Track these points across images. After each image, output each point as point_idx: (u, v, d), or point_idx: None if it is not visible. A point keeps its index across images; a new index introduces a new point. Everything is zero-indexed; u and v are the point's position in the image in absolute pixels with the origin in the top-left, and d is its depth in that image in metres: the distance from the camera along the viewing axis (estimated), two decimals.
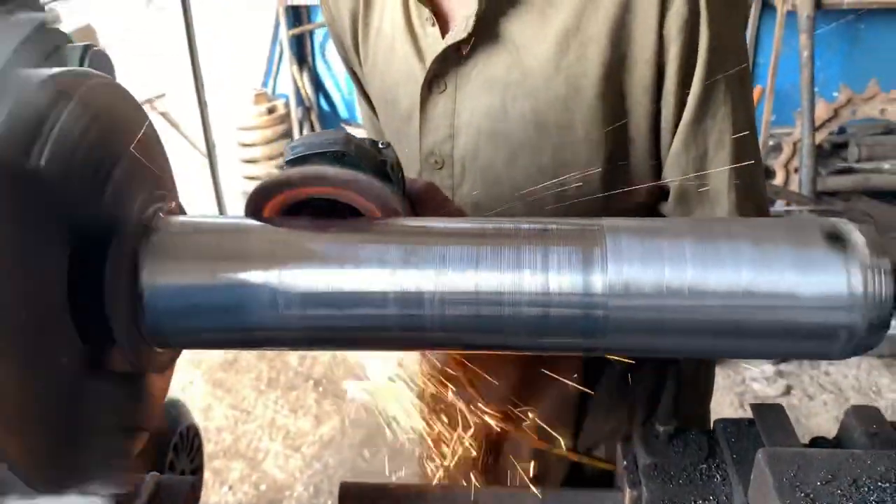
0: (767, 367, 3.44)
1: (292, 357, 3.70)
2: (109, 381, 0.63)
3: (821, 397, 3.36)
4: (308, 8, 4.45)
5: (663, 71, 0.98)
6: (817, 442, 1.02)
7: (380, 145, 0.75)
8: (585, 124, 1.00)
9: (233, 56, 4.56)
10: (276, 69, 4.71)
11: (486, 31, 1.00)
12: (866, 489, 0.79)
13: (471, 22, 0.99)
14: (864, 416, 1.00)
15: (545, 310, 0.61)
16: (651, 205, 1.08)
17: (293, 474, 3.09)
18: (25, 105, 0.54)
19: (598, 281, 0.61)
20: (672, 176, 1.03)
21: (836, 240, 0.61)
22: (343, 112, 4.71)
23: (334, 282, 0.62)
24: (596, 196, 1.00)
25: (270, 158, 4.58)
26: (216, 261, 0.63)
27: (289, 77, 4.60)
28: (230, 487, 3.04)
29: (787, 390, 3.43)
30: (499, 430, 1.01)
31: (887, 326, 0.61)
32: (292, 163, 0.67)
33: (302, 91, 4.67)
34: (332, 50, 4.54)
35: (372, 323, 0.63)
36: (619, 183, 1.03)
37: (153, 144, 0.71)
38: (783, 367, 3.51)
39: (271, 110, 4.64)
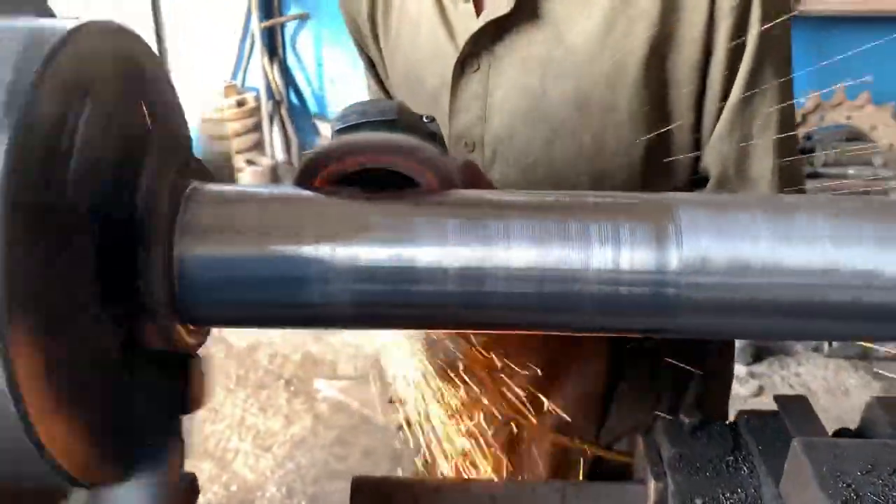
0: (740, 368, 3.48)
1: (262, 355, 3.63)
2: (151, 364, 0.58)
3: None
4: (280, 0, 4.37)
5: (711, 50, 0.95)
6: (842, 433, 1.01)
7: (424, 119, 0.71)
8: (629, 104, 0.97)
9: (203, 47, 4.46)
10: (246, 62, 4.62)
11: (526, 6, 0.96)
12: None
13: None
14: (889, 406, 0.99)
15: (615, 287, 0.58)
16: (689, 189, 1.05)
17: (264, 474, 3.02)
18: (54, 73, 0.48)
19: (674, 257, 0.58)
20: (713, 158, 1.01)
21: None
22: (313, 106, 4.64)
23: (389, 256, 0.58)
24: (634, 179, 0.98)
25: (239, 152, 4.49)
26: (261, 232, 0.58)
27: (259, 70, 4.51)
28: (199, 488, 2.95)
29: (759, 391, 3.47)
30: (519, 422, 0.98)
31: None
32: (344, 131, 0.62)
33: (272, 84, 4.59)
34: (303, 43, 4.47)
35: (429, 300, 0.58)
36: (658, 165, 1.00)
37: (174, 101, 0.66)
38: (755, 367, 3.55)
39: (241, 103, 4.55)
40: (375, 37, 1.16)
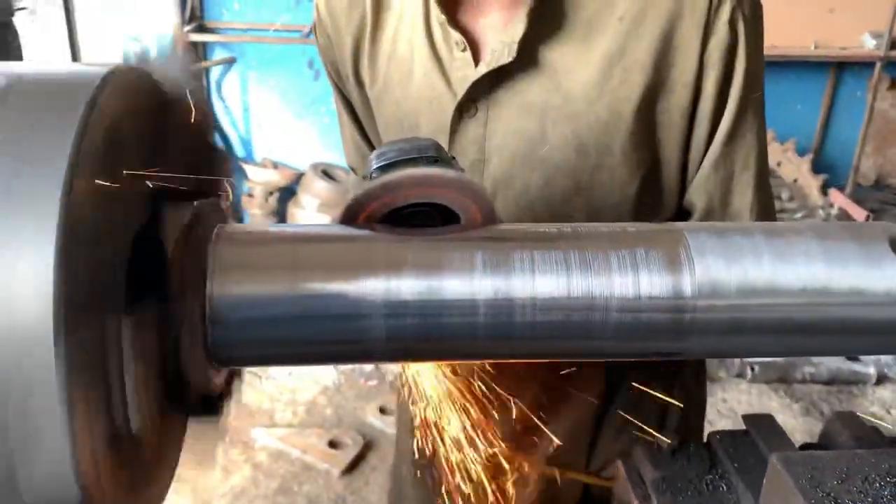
0: None
1: None
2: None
3: (720, 423, 3.53)
4: (205, 45, 4.34)
5: (699, 95, 1.02)
6: (807, 447, 1.07)
7: (453, 158, 0.73)
8: (624, 146, 1.02)
9: None
10: None
11: (525, 56, 1.01)
12: (878, 485, 0.83)
13: (514, 48, 0.99)
14: (846, 420, 1.07)
15: (636, 314, 0.61)
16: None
17: None
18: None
19: (687, 282, 0.62)
20: (698, 194, 1.07)
21: (892, 237, 0.65)
22: (240, 151, 4.59)
23: (422, 290, 0.60)
24: (626, 215, 1.03)
25: None
26: (294, 270, 0.59)
27: None
28: None
29: None
30: (509, 456, 1.00)
31: None
32: (384, 169, 0.64)
33: None
34: (229, 87, 4.43)
35: (461, 332, 0.61)
36: (648, 201, 1.06)
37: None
38: None
39: None
40: (359, 82, 1.18)
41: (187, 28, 4.15)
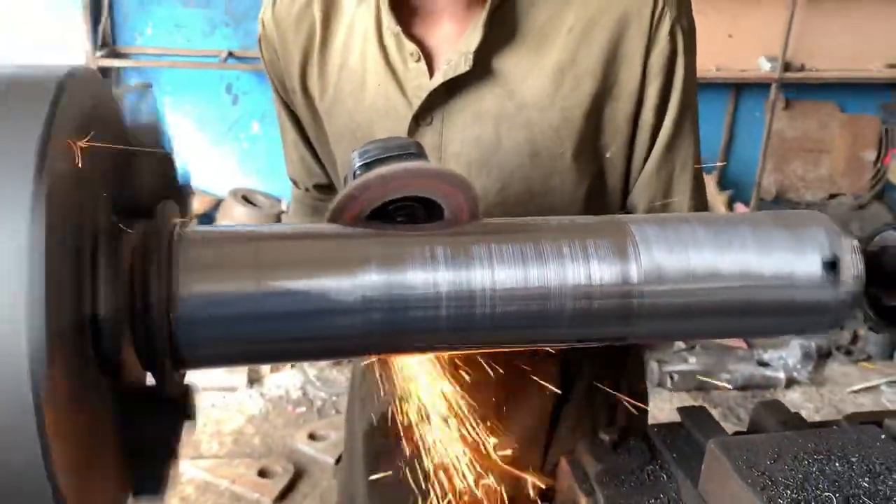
0: None
1: None
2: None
3: None
4: (118, 70, 4.23)
5: (643, 102, 1.08)
6: (738, 434, 1.13)
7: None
8: (574, 151, 1.07)
9: None
10: None
11: (480, 66, 1.04)
12: (807, 462, 0.89)
13: (470, 58, 1.02)
14: (771, 407, 1.13)
15: (589, 301, 0.65)
16: None
17: None
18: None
19: (634, 270, 0.66)
20: (641, 194, 1.13)
21: (815, 225, 0.71)
22: None
23: (384, 284, 0.61)
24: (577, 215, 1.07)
25: None
26: (257, 269, 0.60)
27: None
28: None
29: None
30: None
31: (860, 300, 0.72)
32: (369, 166, 0.66)
33: None
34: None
35: (425, 325, 0.63)
36: (595, 202, 1.11)
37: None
38: None
39: None
40: (307, 94, 1.18)
41: (99, 53, 4.04)
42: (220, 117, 4.37)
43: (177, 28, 4.20)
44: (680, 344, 4.25)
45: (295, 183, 1.36)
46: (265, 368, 3.99)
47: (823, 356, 4.37)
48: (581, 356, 1.16)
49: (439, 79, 1.05)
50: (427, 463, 1.01)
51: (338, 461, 3.30)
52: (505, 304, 0.64)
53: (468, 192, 0.67)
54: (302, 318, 0.60)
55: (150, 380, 0.62)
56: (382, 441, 1.31)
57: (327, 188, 1.33)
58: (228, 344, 0.60)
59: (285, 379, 3.93)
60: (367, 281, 0.61)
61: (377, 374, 0.96)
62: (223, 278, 0.59)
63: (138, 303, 0.56)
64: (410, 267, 0.62)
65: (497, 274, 0.64)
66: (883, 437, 0.93)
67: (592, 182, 1.11)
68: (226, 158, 4.46)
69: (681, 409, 1.15)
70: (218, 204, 4.38)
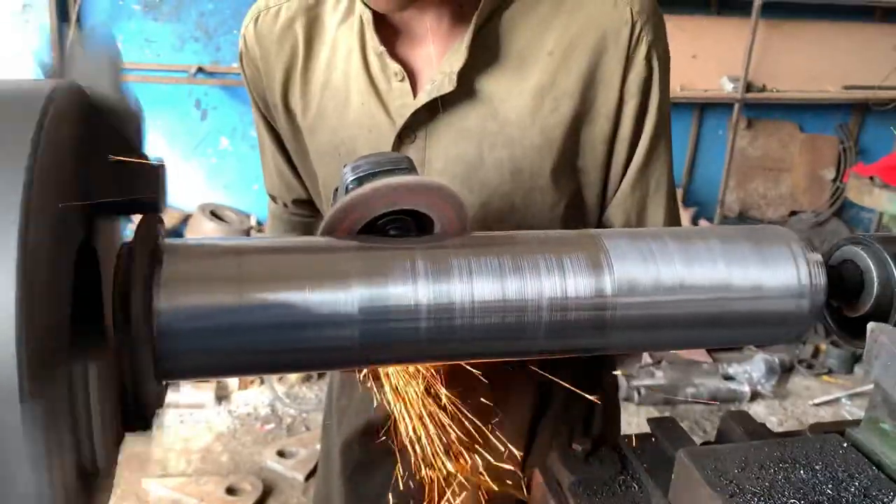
0: None
1: None
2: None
3: None
4: None
5: (619, 123, 1.11)
6: (706, 444, 1.15)
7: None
8: (554, 169, 1.10)
9: None
10: None
11: (464, 86, 1.06)
12: (773, 470, 0.91)
13: (454, 78, 1.05)
14: (738, 418, 1.16)
15: (565, 312, 0.67)
16: None
17: None
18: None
19: (608, 282, 0.68)
20: (617, 212, 1.16)
21: (782, 241, 0.74)
22: None
23: (366, 297, 0.63)
24: None
25: None
26: (240, 282, 0.61)
27: None
28: None
29: None
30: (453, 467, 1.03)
31: (822, 312, 0.75)
32: (361, 180, 0.67)
33: None
34: None
35: (405, 337, 0.64)
36: (573, 220, 1.13)
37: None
38: None
39: None
40: (288, 111, 1.19)
41: None
42: (188, 132, 4.35)
43: (147, 42, 4.18)
44: (647, 358, 4.30)
45: (273, 198, 1.36)
46: (233, 385, 3.96)
47: (786, 370, 4.46)
48: (558, 370, 1.19)
49: (424, 98, 1.07)
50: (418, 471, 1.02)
51: (307, 478, 3.29)
52: (483, 316, 0.65)
53: (458, 205, 0.69)
54: (284, 330, 0.61)
55: None
56: (361, 454, 1.32)
57: (306, 203, 1.33)
58: (210, 356, 0.61)
59: (253, 396, 3.90)
60: (347, 294, 0.62)
61: (367, 385, 0.97)
62: (205, 291, 0.60)
63: (119, 314, 0.57)
64: (391, 280, 0.64)
65: (476, 287, 0.65)
66: (845, 445, 0.96)
67: (570, 199, 1.14)
68: (194, 173, 4.44)
69: (651, 421, 1.17)
70: (186, 219, 4.34)
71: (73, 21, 4.00)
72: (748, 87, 4.80)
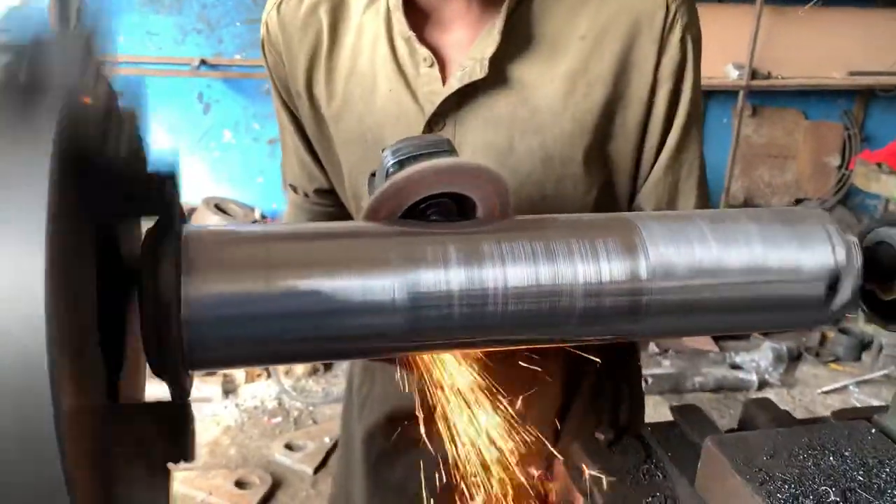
0: None
1: None
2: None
3: None
4: None
5: (652, 108, 1.09)
6: (730, 432, 1.14)
7: None
8: (586, 156, 1.08)
9: None
10: None
11: (495, 72, 1.05)
12: (802, 457, 0.90)
13: (486, 64, 1.03)
14: (762, 405, 1.15)
15: (599, 298, 0.65)
16: None
17: None
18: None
19: (643, 266, 0.66)
20: (649, 198, 1.15)
21: (817, 223, 0.72)
22: None
23: (398, 285, 0.61)
24: None
25: None
26: (268, 268, 0.59)
27: None
28: None
29: None
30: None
31: (860, 294, 0.73)
32: (402, 163, 0.66)
33: None
34: None
35: (439, 324, 0.62)
36: (605, 206, 1.12)
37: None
38: None
39: None
40: (311, 99, 1.18)
41: None
42: (191, 126, 4.33)
43: (148, 35, 4.16)
44: (654, 347, 4.29)
45: (293, 188, 1.34)
46: (240, 378, 3.95)
47: (794, 358, 4.45)
48: (584, 359, 1.18)
49: (455, 84, 1.06)
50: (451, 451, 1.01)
51: (316, 471, 3.29)
52: (517, 303, 0.64)
53: (502, 187, 0.68)
54: (314, 318, 0.60)
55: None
56: (384, 443, 1.31)
57: (328, 193, 1.31)
58: (241, 345, 0.60)
59: (260, 389, 3.90)
60: (381, 281, 0.61)
61: (397, 373, 0.96)
62: (234, 279, 0.59)
63: (149, 305, 0.56)
64: (423, 266, 0.62)
65: (509, 272, 0.64)
66: (873, 431, 0.95)
67: (602, 187, 1.12)
68: (198, 167, 4.42)
69: (673, 408, 1.16)
70: (191, 213, 4.33)
71: (72, 18, 3.98)
72: (753, 75, 4.78)
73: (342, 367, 4.13)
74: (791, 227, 0.71)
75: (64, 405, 0.42)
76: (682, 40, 1.08)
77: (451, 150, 0.68)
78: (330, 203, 1.33)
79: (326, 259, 0.61)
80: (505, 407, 1.00)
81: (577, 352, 1.02)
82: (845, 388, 4.22)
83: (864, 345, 4.52)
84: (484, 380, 0.95)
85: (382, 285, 0.61)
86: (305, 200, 1.34)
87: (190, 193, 4.41)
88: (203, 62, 4.11)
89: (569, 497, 1.08)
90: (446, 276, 0.62)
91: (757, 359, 4.30)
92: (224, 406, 3.75)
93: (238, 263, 0.60)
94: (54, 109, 0.45)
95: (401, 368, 0.99)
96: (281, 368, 4.01)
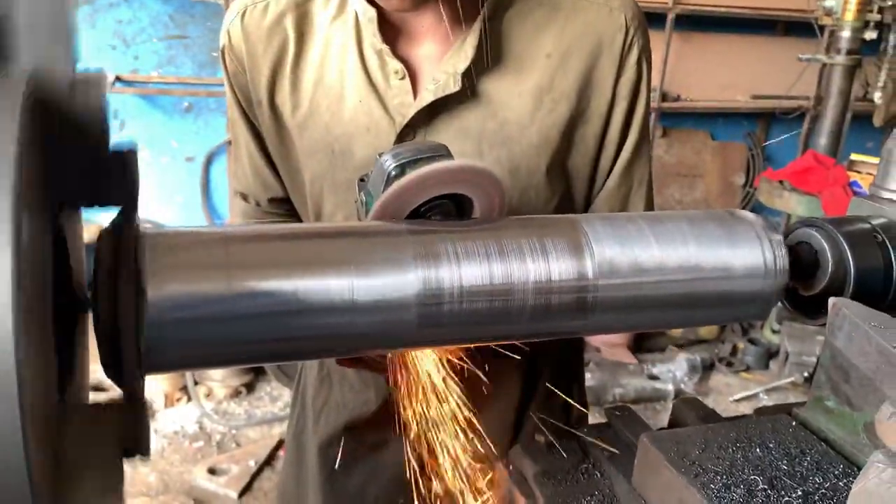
0: None
1: None
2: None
3: None
4: None
5: (609, 123, 1.16)
6: (661, 429, 1.19)
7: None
8: (549, 168, 1.13)
9: None
10: None
11: (466, 86, 1.09)
12: (731, 450, 0.95)
13: (459, 78, 1.07)
14: (690, 404, 1.20)
15: (548, 296, 0.68)
16: None
17: None
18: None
19: (589, 265, 0.69)
20: (602, 207, 1.22)
21: (747, 224, 0.77)
22: None
23: (352, 286, 0.62)
24: None
25: None
26: (228, 269, 0.60)
27: None
28: None
29: None
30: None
31: (783, 292, 0.78)
32: (403, 167, 0.68)
33: None
34: None
35: (397, 323, 0.64)
36: (564, 213, 1.17)
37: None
38: None
39: None
40: (273, 108, 1.17)
41: None
42: None
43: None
44: None
45: (244, 197, 1.33)
46: (158, 403, 3.83)
47: (707, 368, 4.63)
48: (541, 363, 1.22)
49: (428, 97, 1.09)
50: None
51: (241, 495, 3.20)
52: (471, 301, 0.66)
53: (501, 188, 0.72)
54: (274, 318, 0.60)
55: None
56: (340, 453, 1.32)
57: (282, 202, 1.31)
58: (197, 346, 0.59)
59: (180, 414, 3.78)
60: (340, 282, 0.62)
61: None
62: (193, 279, 0.59)
63: (105, 309, 0.55)
64: (380, 267, 0.64)
65: (463, 271, 0.66)
66: (794, 424, 1.01)
67: (561, 197, 1.18)
68: None
69: (608, 410, 1.20)
70: None
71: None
72: (664, 97, 4.99)
73: (265, 390, 4.06)
74: (725, 229, 0.76)
75: (28, 406, 0.41)
76: (639, 61, 1.15)
77: (448, 154, 0.71)
78: (283, 211, 1.33)
79: (283, 260, 0.61)
80: (468, 406, 1.03)
81: (532, 356, 1.06)
82: (755, 395, 4.42)
83: (771, 354, 4.75)
84: (451, 378, 0.98)
85: (341, 287, 0.62)
86: (256, 210, 1.33)
87: (103, 215, 4.25)
88: (118, 79, 4.00)
89: (511, 498, 1.10)
90: (400, 275, 0.64)
91: (673, 369, 4.46)
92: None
93: (198, 264, 0.59)
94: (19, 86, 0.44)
95: (366, 372, 0.99)
96: (201, 392, 3.90)
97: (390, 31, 1.11)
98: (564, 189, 1.19)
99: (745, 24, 5.14)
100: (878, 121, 5.69)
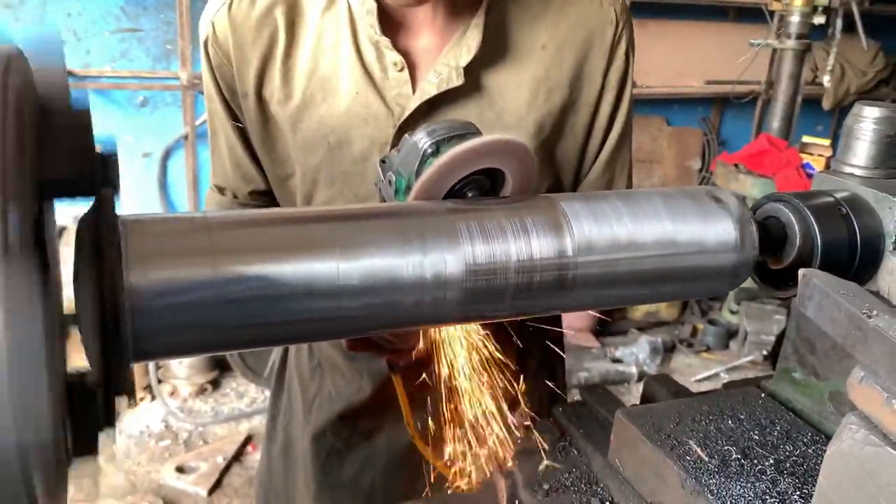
0: None
1: None
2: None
3: None
4: None
5: (597, 112, 1.21)
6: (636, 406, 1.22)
7: None
8: (542, 154, 1.17)
9: None
10: None
11: (468, 79, 1.11)
12: (704, 422, 0.98)
13: (461, 72, 1.09)
14: (661, 381, 1.23)
15: (530, 274, 0.69)
16: None
17: None
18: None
19: (569, 243, 0.71)
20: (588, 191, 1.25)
21: (718, 199, 0.79)
22: None
23: (341, 268, 0.63)
24: None
25: None
26: (213, 255, 0.59)
27: None
28: None
29: None
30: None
31: (754, 266, 0.81)
32: (439, 144, 0.70)
33: None
34: None
35: (392, 306, 0.64)
36: None
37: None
38: None
39: None
40: (260, 101, 1.16)
41: None
42: None
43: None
44: None
45: (220, 190, 1.31)
46: (122, 405, 3.76)
47: (669, 350, 4.72)
48: (530, 342, 1.24)
49: (432, 90, 1.10)
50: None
51: (211, 492, 3.17)
52: (460, 281, 0.67)
53: (532, 159, 0.75)
54: (266, 302, 0.60)
55: None
56: (334, 441, 1.32)
57: (262, 194, 1.30)
58: (183, 331, 0.59)
59: (145, 413, 3.73)
60: (325, 266, 0.62)
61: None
62: (178, 265, 0.58)
63: (90, 298, 0.54)
64: (372, 250, 0.64)
65: (456, 252, 0.67)
66: (763, 396, 1.04)
67: (551, 183, 1.22)
68: None
69: (582, 389, 1.23)
70: (61, 232, 4.08)
71: None
72: None
73: (231, 386, 4.02)
74: (697, 205, 0.78)
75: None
76: (626, 53, 1.20)
77: (478, 131, 0.72)
78: (262, 204, 1.32)
79: (266, 245, 0.61)
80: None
81: (522, 335, 1.09)
82: (717, 374, 4.51)
83: (730, 334, 4.86)
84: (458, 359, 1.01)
85: (323, 270, 0.62)
86: (233, 202, 1.31)
87: (58, 212, 4.16)
88: (70, 73, 3.90)
89: (490, 479, 1.12)
90: (396, 256, 0.65)
91: (635, 351, 4.53)
92: (106, 433, 3.56)
93: (182, 251, 0.59)
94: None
95: (358, 361, 1.00)
96: (165, 390, 3.85)
97: (387, 22, 1.12)
98: (554, 176, 1.23)
99: (699, 11, 5.23)
100: (827, 104, 5.85)
